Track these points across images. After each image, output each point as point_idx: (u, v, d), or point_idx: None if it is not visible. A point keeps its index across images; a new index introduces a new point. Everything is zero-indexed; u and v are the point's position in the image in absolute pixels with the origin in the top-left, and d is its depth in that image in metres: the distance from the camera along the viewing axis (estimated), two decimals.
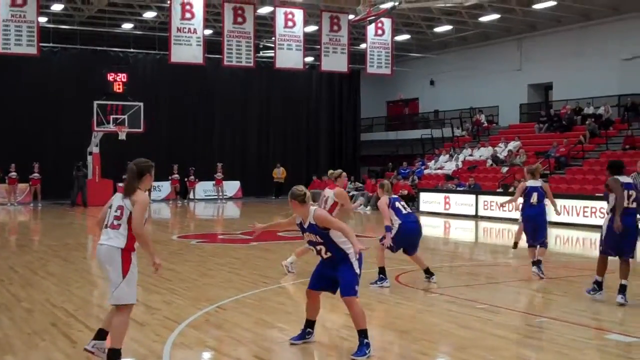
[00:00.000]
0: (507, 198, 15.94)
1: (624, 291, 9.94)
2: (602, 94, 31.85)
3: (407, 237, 11.78)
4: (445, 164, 34.84)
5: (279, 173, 39.41)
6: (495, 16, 34.55)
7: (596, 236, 17.86)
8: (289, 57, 30.69)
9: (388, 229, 11.56)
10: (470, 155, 34.47)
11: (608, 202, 10.17)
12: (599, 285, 10.25)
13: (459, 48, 40.81)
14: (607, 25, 33.04)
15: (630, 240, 10.08)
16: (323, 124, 43.62)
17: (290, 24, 30.41)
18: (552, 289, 11.57)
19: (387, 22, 32.31)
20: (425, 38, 40.23)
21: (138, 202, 6.72)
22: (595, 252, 18.32)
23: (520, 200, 13.20)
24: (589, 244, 19.48)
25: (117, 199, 6.88)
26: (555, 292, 11.35)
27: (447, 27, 37.45)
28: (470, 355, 7.52)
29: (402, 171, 35.22)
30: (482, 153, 33.90)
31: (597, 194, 24.06)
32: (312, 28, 33.37)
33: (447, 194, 29.37)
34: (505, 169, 30.54)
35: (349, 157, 43.72)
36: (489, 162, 32.40)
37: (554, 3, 31.89)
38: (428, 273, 12.02)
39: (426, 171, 35.10)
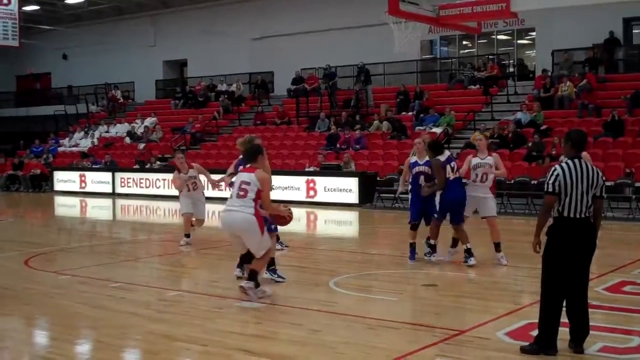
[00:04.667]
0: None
1: (471, 253, 10.70)
2: (235, 72, 33.03)
3: None
4: (81, 141, 33.74)
5: None
6: None
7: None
8: None
9: None
10: (107, 132, 33.78)
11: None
12: (433, 248, 11.04)
13: (92, 22, 39.66)
14: (237, 5, 34.28)
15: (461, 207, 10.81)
16: None
17: None
18: (187, 262, 11.70)
19: None
20: (56, 10, 38.48)
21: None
22: None
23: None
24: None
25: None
26: (190, 265, 11.51)
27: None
28: (102, 335, 7.31)
29: (35, 149, 33.43)
30: (119, 129, 33.39)
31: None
32: None
33: (82, 172, 28.51)
34: (142, 146, 30.38)
35: None
36: (126, 138, 32.01)
37: None
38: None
39: (60, 149, 33.70)
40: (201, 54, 35.33)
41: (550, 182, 6.17)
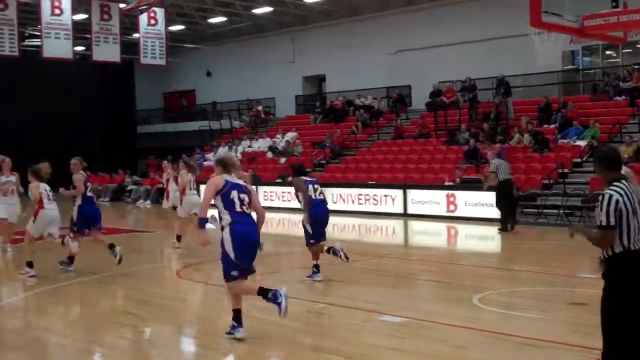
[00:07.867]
0: None
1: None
2: (372, 86, 33.25)
3: None
4: None
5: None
6: (268, 9, 34.98)
7: (372, 222, 18.59)
8: (57, 47, 29.11)
9: None
10: (249, 146, 34.71)
11: (300, 201, 11.46)
12: (317, 268, 11.48)
13: (234, 40, 40.94)
14: (374, 20, 34.47)
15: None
16: (97, 116, 42.06)
17: (57, 11, 28.88)
18: (331, 275, 11.86)
19: (159, 12, 31.57)
20: (199, 29, 39.95)
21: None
22: (370, 238, 19.18)
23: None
24: (365, 230, 20.27)
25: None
26: (334, 277, 11.67)
27: (221, 19, 37.43)
28: (252, 345, 7.54)
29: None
30: (261, 144, 34.24)
31: (369, 182, 25.18)
32: (81, 16, 32.00)
33: None
34: (283, 160, 31.02)
35: (125, 149, 42.55)
36: (268, 153, 32.80)
37: None
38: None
39: (205, 163, 34.88)
40: (339, 69, 35.76)
41: (612, 210, 5.28)
